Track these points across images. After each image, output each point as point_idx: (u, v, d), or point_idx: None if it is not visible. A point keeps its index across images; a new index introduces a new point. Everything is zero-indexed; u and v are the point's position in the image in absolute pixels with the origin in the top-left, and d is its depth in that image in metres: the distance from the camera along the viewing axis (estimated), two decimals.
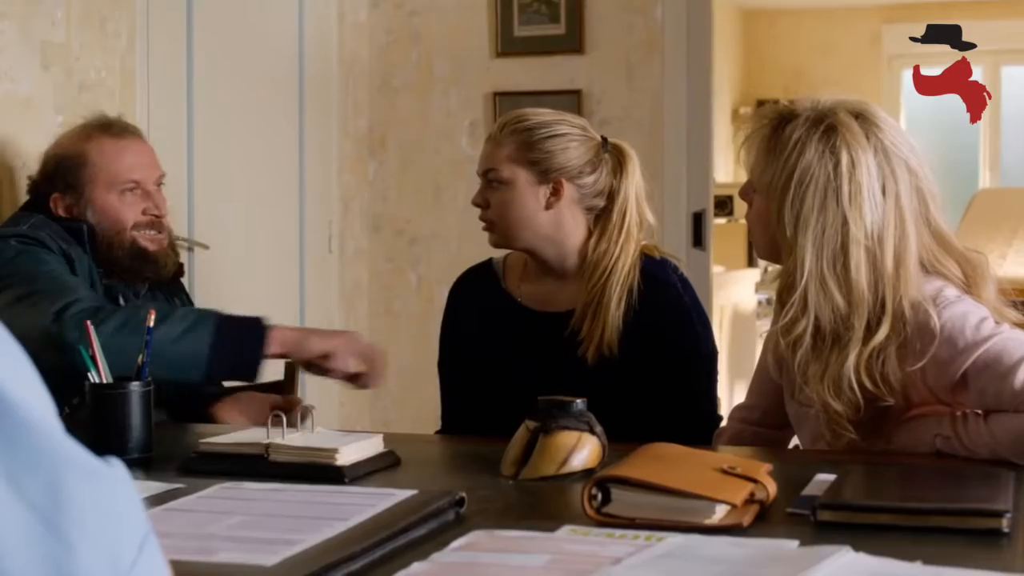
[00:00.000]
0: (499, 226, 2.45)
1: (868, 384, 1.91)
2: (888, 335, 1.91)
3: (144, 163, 2.70)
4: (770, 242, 2.03)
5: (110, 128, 2.71)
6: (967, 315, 1.89)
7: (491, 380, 2.49)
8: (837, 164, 1.93)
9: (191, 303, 2.87)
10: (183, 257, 3.63)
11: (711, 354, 2.48)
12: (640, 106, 4.36)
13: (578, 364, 2.38)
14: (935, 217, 1.99)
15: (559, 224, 2.43)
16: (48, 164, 2.70)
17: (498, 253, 2.57)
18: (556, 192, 2.42)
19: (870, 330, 1.92)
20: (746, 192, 2.07)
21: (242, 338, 2.34)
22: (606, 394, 2.14)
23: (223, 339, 2.30)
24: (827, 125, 1.96)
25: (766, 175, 1.99)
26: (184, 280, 2.93)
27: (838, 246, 1.92)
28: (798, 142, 1.95)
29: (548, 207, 2.42)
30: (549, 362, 2.42)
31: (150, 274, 2.69)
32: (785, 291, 1.96)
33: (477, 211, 2.48)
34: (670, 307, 2.42)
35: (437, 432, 2.56)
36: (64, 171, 2.66)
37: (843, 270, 1.92)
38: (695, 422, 2.37)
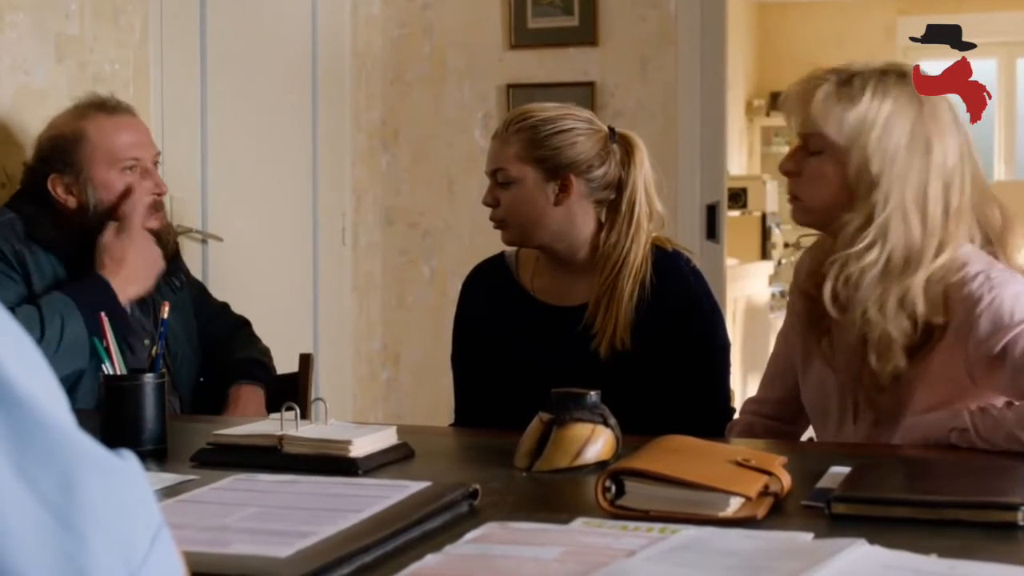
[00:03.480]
0: (511, 225, 2.44)
1: (924, 307, 1.96)
2: (946, 265, 1.98)
3: (142, 141, 2.69)
4: (830, 201, 2.04)
5: (104, 106, 2.69)
6: (1019, 296, 1.94)
7: (504, 373, 2.48)
8: (921, 105, 2.01)
9: (188, 280, 2.85)
10: (198, 250, 3.65)
11: (724, 346, 2.47)
12: (654, 98, 4.35)
13: (591, 357, 2.37)
14: (979, 165, 2.09)
15: (570, 219, 2.43)
16: (43, 146, 2.68)
17: None
18: (565, 188, 2.41)
19: (934, 257, 1.99)
20: (798, 158, 2.07)
21: (99, 304, 2.42)
22: (619, 387, 2.14)
23: (90, 318, 2.38)
24: (898, 73, 2.04)
25: (845, 125, 2.01)
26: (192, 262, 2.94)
27: (922, 181, 1.99)
28: (877, 89, 2.01)
29: (558, 203, 2.41)
30: (562, 355, 2.42)
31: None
32: (858, 229, 2.00)
33: None
34: (682, 300, 2.42)
35: (451, 425, 2.56)
36: (61, 151, 2.62)
37: (923, 203, 1.99)
38: (708, 414, 2.36)
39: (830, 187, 2.03)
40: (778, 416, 2.26)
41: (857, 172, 2.01)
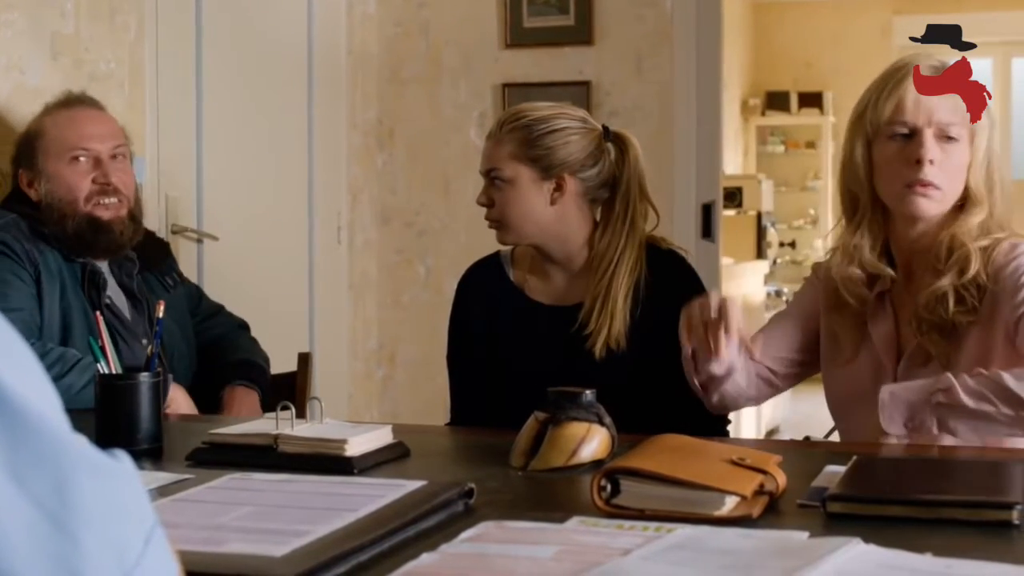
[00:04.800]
0: (505, 224, 2.44)
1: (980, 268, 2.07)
2: (999, 237, 2.10)
3: (98, 132, 2.67)
4: (958, 187, 2.09)
5: (68, 101, 2.72)
6: None
7: (500, 373, 2.48)
8: None
9: (182, 280, 2.85)
10: (193, 249, 3.64)
11: None
12: (649, 97, 4.35)
13: (587, 357, 2.37)
14: None
15: (565, 219, 2.43)
16: (16, 145, 2.72)
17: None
18: (559, 187, 2.41)
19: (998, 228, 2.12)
20: (938, 141, 2.08)
21: None
22: (615, 387, 2.14)
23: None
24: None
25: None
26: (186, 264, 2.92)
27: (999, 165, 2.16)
28: None
29: (553, 203, 2.41)
30: (558, 355, 2.42)
31: (105, 244, 2.63)
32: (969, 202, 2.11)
33: None
34: (677, 299, 2.41)
35: (446, 424, 2.56)
36: (25, 147, 2.67)
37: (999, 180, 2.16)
38: (704, 414, 2.36)
39: (963, 171, 2.09)
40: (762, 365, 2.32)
41: (986, 159, 2.11)
